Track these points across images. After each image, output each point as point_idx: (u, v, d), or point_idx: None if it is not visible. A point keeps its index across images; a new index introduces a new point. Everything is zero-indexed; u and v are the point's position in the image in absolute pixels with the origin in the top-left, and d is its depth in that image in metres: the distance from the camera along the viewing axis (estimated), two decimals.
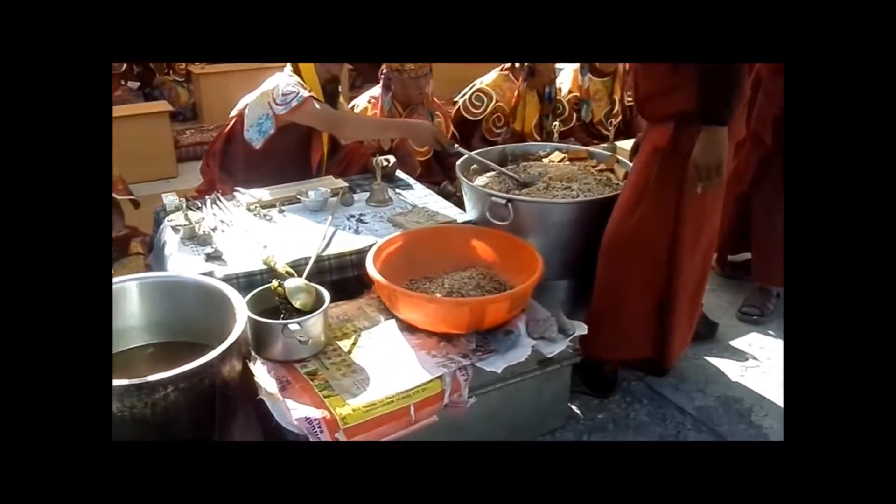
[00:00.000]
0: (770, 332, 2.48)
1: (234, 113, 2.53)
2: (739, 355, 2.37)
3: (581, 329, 1.88)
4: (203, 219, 2.12)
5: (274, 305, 1.78)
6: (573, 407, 2.09)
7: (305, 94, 2.33)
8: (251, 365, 1.69)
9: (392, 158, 2.59)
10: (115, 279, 1.67)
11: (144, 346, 1.75)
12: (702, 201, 1.89)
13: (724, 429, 2.02)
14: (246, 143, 2.45)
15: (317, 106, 2.34)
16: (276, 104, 2.35)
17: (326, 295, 1.79)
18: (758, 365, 2.32)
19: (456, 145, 2.37)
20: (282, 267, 1.86)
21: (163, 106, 3.62)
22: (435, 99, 3.08)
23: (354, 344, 1.81)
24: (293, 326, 1.65)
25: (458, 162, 2.33)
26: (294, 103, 2.32)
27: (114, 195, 2.45)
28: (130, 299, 1.72)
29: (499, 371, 1.71)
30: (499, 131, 3.19)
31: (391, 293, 1.81)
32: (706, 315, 2.42)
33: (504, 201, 2.06)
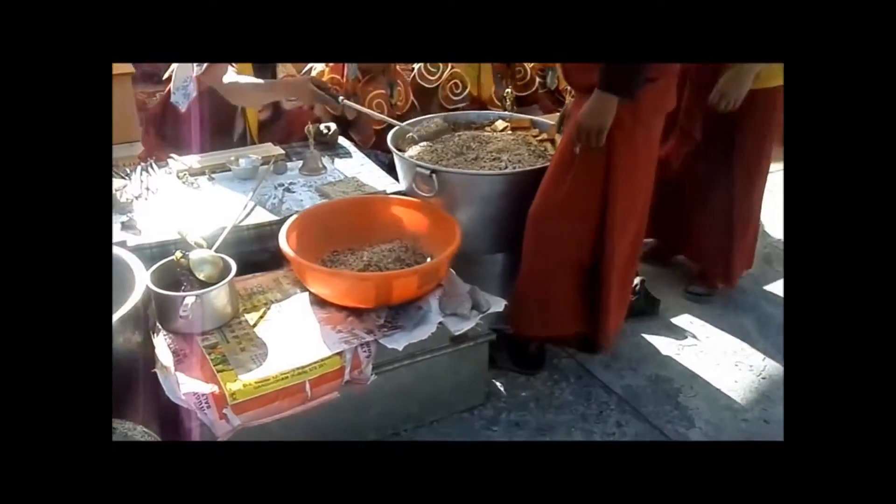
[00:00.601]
0: (715, 310, 2.43)
1: (166, 75, 2.47)
2: (679, 333, 2.32)
3: (497, 305, 1.83)
4: (125, 186, 2.08)
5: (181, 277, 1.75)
6: (497, 384, 2.05)
7: None
8: (153, 337, 1.67)
9: (332, 126, 2.53)
10: None
11: None
12: (634, 177, 1.82)
13: (648, 409, 1.98)
14: (174, 108, 2.39)
15: (229, 70, 2.26)
16: (196, 65, 2.28)
17: (233, 267, 1.76)
18: (695, 343, 2.27)
19: (342, 99, 2.25)
20: (194, 238, 1.82)
21: (125, 68, 3.54)
22: (398, 67, 3.00)
23: (262, 317, 1.78)
24: (189, 299, 1.62)
25: (392, 130, 2.27)
26: (206, 64, 2.25)
27: None
28: None
29: (399, 349, 1.68)
30: (457, 98, 3.11)
31: (299, 266, 1.77)
32: (648, 291, 2.36)
33: (428, 172, 2.00)
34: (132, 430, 1.38)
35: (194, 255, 1.74)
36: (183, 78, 2.37)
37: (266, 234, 1.99)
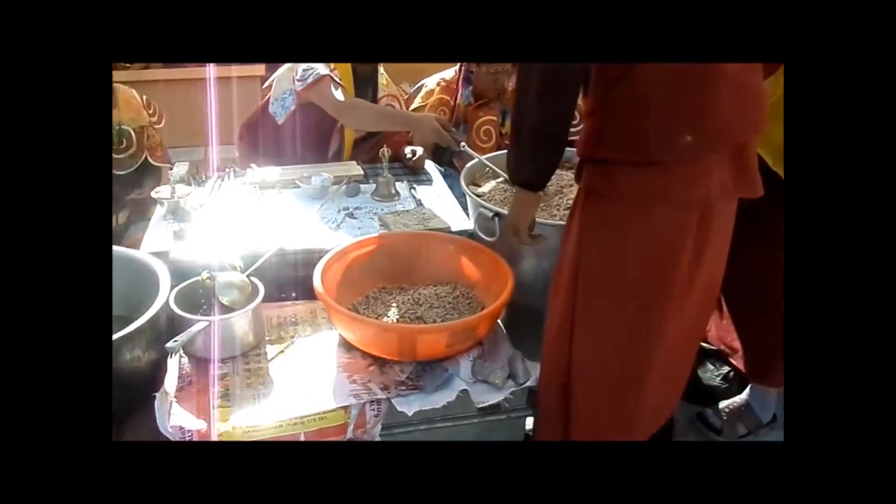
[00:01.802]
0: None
1: (266, 84, 2.45)
2: None
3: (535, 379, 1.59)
4: (189, 194, 2.05)
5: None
6: None
7: (323, 72, 2.18)
8: (169, 358, 1.60)
9: (419, 150, 2.39)
10: None
11: None
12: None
13: None
14: (271, 118, 2.36)
15: (332, 87, 2.19)
16: (297, 79, 2.23)
17: (260, 294, 1.66)
18: None
19: (463, 144, 2.11)
20: (230, 258, 1.74)
21: (254, 70, 3.62)
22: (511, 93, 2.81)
23: (281, 352, 1.66)
24: (196, 326, 1.53)
25: (466, 167, 2.08)
26: (310, 80, 2.18)
27: (151, 161, 2.48)
28: None
29: (409, 413, 1.48)
30: (575, 131, 2.86)
31: (326, 304, 1.63)
32: None
33: (491, 214, 1.80)
34: None
35: (221, 276, 1.66)
36: (283, 90, 2.34)
37: (314, 260, 1.87)
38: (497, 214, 1.78)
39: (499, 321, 1.79)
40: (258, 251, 1.80)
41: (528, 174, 1.42)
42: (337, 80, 2.22)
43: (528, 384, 1.57)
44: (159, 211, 2.03)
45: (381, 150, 2.15)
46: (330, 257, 1.74)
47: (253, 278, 1.70)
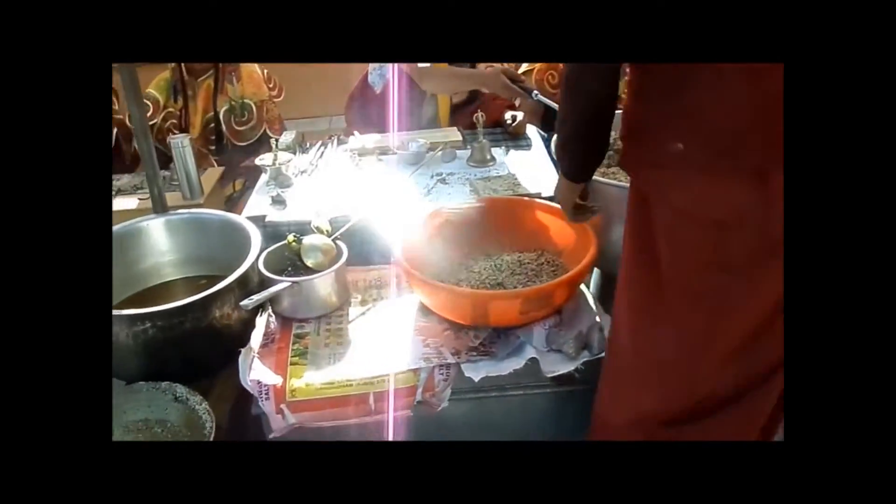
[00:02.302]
0: None
1: None
2: None
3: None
4: (290, 161, 2.13)
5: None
6: None
7: None
8: (258, 316, 1.68)
9: (519, 115, 2.33)
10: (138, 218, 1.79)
11: (175, 280, 1.84)
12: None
13: None
14: (371, 88, 2.39)
15: None
16: None
17: (344, 255, 1.70)
18: None
19: (536, 93, 2.01)
20: (319, 222, 1.79)
21: None
22: None
23: (363, 314, 1.70)
24: (276, 286, 1.60)
25: None
26: None
27: (269, 133, 2.61)
28: (157, 236, 1.81)
29: (475, 379, 1.47)
30: None
31: (402, 268, 1.64)
32: None
33: None
34: (182, 393, 1.43)
35: (307, 240, 1.71)
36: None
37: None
38: None
39: (587, 290, 1.73)
40: (348, 216, 1.84)
41: (564, 165, 1.40)
42: None
43: (593, 356, 1.50)
44: (263, 178, 2.13)
45: (476, 115, 2.12)
46: (413, 223, 1.75)
47: (339, 241, 1.75)
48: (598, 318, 1.58)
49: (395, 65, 2.30)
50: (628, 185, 1.36)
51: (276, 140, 2.18)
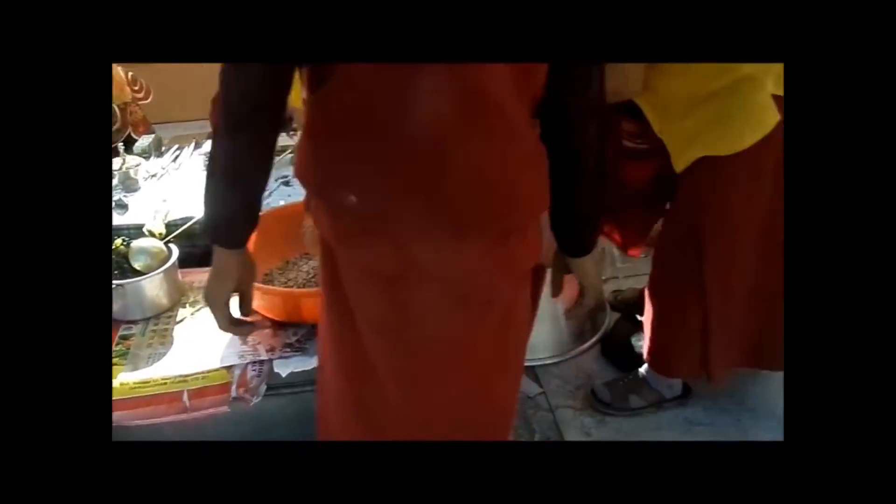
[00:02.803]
0: None
1: None
2: None
3: None
4: (139, 165, 2.16)
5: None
6: None
7: None
8: None
9: None
10: None
11: None
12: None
13: None
14: None
15: None
16: None
17: (173, 258, 1.75)
18: None
19: None
20: (152, 225, 1.84)
21: None
22: None
23: (192, 314, 1.75)
24: None
25: None
26: None
27: (133, 136, 2.62)
28: None
29: (283, 375, 1.54)
30: None
31: None
32: None
33: None
34: None
35: (136, 243, 1.75)
36: None
37: None
38: None
39: None
40: (189, 218, 1.89)
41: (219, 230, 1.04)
42: None
43: None
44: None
45: None
46: None
47: (171, 244, 1.79)
48: None
49: None
50: None
51: (122, 145, 2.20)
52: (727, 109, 1.47)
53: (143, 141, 2.33)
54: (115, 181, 2.14)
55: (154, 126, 2.77)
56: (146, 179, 2.14)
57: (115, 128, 2.63)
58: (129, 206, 2.00)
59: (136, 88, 2.71)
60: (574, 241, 1.15)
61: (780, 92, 1.44)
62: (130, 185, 2.09)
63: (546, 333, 2.07)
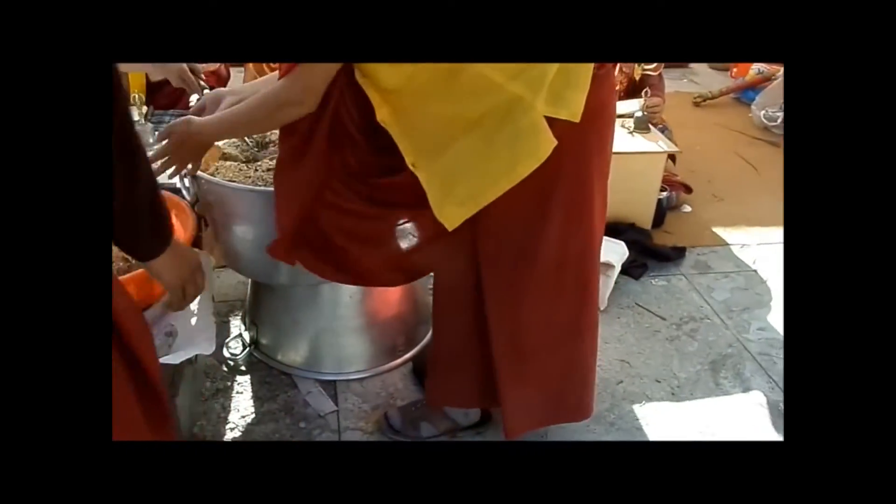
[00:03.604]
0: None
1: None
2: None
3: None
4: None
5: None
6: None
7: None
8: None
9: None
10: None
11: None
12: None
13: None
14: None
15: None
16: None
17: None
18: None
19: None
20: None
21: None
22: None
23: None
24: None
25: None
26: None
27: None
28: None
29: None
30: None
31: None
32: None
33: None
34: None
35: None
36: None
37: None
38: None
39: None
40: None
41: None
42: None
43: None
44: None
45: (134, 94, 2.04)
46: None
47: None
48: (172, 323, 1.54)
49: None
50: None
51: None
52: (493, 137, 1.30)
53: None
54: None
55: None
56: None
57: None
58: None
59: None
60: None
61: (555, 113, 1.29)
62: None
63: (354, 346, 1.96)
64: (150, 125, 2.06)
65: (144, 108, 2.21)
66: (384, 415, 1.79)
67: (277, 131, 1.48)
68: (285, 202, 1.44)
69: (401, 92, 1.31)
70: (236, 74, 2.86)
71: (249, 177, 1.67)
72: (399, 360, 1.99)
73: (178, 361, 1.48)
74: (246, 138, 1.80)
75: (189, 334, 1.57)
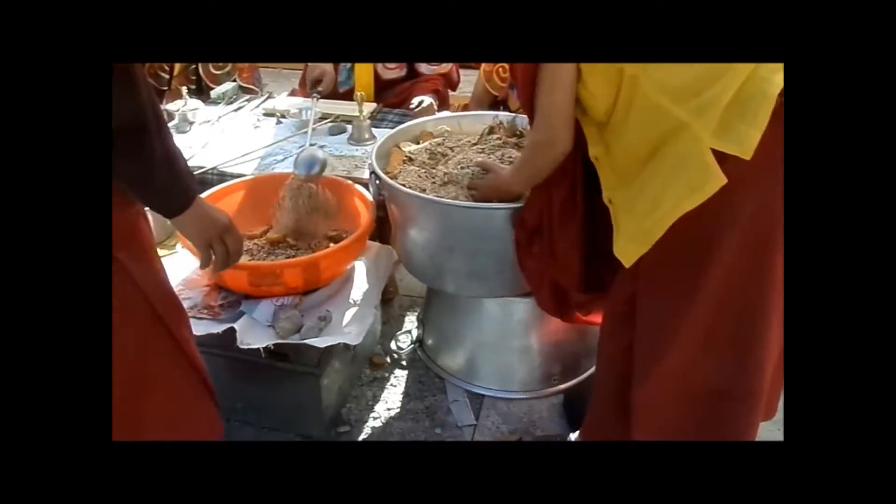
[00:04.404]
0: None
1: None
2: None
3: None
4: (197, 109, 2.31)
5: None
6: None
7: None
8: None
9: (426, 100, 2.35)
10: None
11: None
12: None
13: None
14: None
15: None
16: None
17: None
18: None
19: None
20: None
21: None
22: None
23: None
24: None
25: None
26: None
27: (239, 81, 2.81)
28: None
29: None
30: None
31: None
32: None
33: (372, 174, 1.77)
34: None
35: None
36: None
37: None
38: (377, 176, 1.75)
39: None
40: (201, 167, 2.00)
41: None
42: None
43: (288, 340, 1.59)
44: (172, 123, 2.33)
45: (357, 93, 2.18)
46: (215, 191, 1.88)
47: None
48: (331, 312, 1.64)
49: None
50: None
51: (185, 88, 2.37)
52: (660, 167, 1.23)
53: (224, 87, 2.50)
54: (174, 121, 2.30)
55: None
56: (201, 124, 2.29)
57: (226, 70, 2.81)
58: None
59: None
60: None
61: (722, 146, 1.16)
62: (181, 128, 2.25)
63: (509, 365, 1.93)
64: (367, 122, 2.20)
65: (369, 106, 2.34)
66: (518, 440, 1.74)
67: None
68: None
69: (607, 124, 1.32)
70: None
71: (431, 182, 1.72)
72: (551, 390, 1.92)
73: (322, 346, 1.58)
74: (429, 148, 1.87)
75: (341, 322, 1.67)
